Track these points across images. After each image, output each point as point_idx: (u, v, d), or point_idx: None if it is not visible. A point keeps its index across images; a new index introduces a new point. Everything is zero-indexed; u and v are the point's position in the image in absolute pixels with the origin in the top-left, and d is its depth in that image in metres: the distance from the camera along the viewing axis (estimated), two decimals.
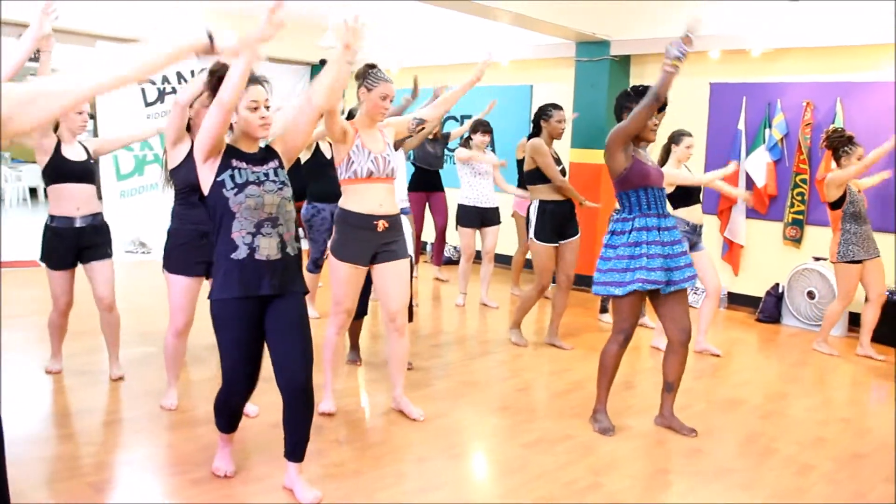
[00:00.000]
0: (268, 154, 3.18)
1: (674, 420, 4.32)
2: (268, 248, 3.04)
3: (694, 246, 5.73)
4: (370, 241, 4.03)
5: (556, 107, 5.84)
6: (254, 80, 3.03)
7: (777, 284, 7.31)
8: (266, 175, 3.09)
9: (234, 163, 3.05)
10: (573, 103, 8.33)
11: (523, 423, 4.38)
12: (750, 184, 7.53)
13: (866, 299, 6.14)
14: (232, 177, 3.02)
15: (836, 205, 5.95)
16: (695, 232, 5.75)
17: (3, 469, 1.88)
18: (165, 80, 9.65)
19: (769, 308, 7.28)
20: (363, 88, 4.01)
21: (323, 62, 12.00)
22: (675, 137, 6.00)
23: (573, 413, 4.56)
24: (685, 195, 5.72)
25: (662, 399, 4.37)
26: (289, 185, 3.17)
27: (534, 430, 4.26)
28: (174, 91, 9.67)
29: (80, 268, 4.57)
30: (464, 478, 3.64)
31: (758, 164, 7.44)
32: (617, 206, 4.28)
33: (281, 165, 3.18)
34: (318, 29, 10.10)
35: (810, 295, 6.96)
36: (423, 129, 4.65)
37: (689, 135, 5.98)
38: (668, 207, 4.74)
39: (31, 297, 6.48)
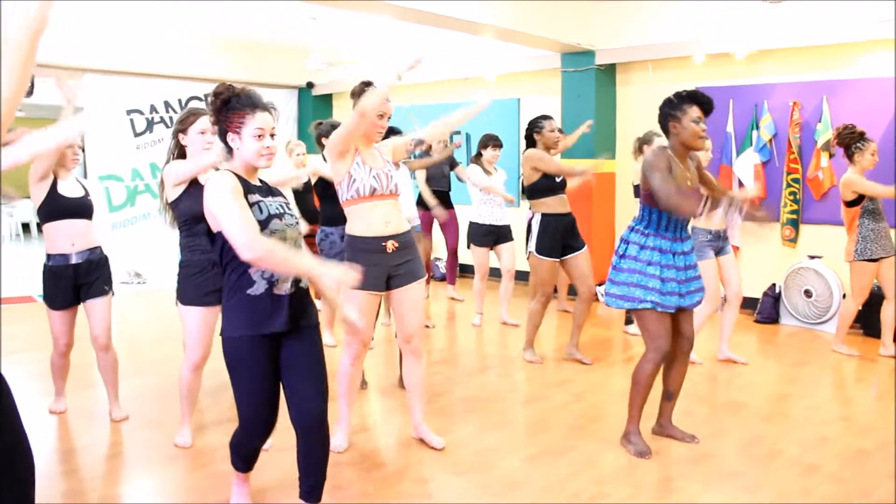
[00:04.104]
0: (272, 189, 3.04)
1: (673, 429, 4.28)
2: (286, 282, 2.91)
3: (720, 251, 5.67)
4: (382, 265, 3.89)
5: (546, 117, 5.75)
6: (262, 106, 2.90)
7: (774, 285, 7.33)
8: (280, 206, 2.95)
9: (252, 198, 2.86)
10: (561, 114, 8.37)
11: (526, 437, 4.38)
12: (739, 186, 7.55)
13: (884, 298, 6.04)
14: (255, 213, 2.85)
15: (852, 203, 5.86)
16: (719, 238, 5.65)
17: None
18: (153, 109, 9.68)
19: (767, 309, 7.29)
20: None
21: (310, 84, 12.02)
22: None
23: (576, 425, 4.55)
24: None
25: (661, 408, 4.32)
26: (298, 222, 3.06)
27: (536, 444, 4.26)
28: (162, 120, 9.70)
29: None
30: (468, 495, 3.63)
31: (745, 166, 7.47)
32: (637, 214, 4.16)
33: (288, 202, 3.05)
34: (304, 53, 10.17)
35: (807, 293, 6.97)
36: (424, 150, 4.54)
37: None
38: None
39: (28, 333, 6.47)
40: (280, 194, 3.04)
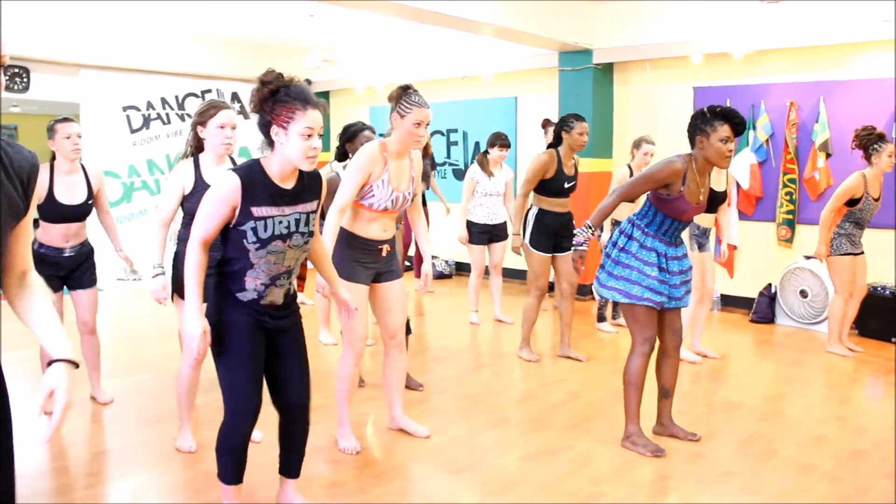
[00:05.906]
0: (308, 189, 2.91)
1: (674, 427, 4.27)
2: (275, 297, 2.93)
3: (701, 247, 5.75)
4: (373, 264, 3.95)
5: (579, 118, 5.55)
6: (314, 103, 2.73)
7: (770, 285, 7.33)
8: (296, 222, 2.86)
9: (259, 211, 2.76)
10: (558, 113, 8.34)
11: (522, 436, 4.36)
12: (735, 186, 7.55)
13: (849, 294, 6.09)
14: (254, 230, 2.77)
15: (850, 203, 5.86)
16: (704, 235, 5.72)
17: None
18: (150, 105, 9.64)
19: (763, 308, 7.29)
20: (395, 114, 3.76)
21: (308, 82, 11.93)
22: (637, 142, 6.16)
23: (572, 423, 4.54)
24: None
25: (659, 407, 4.30)
26: (313, 234, 2.99)
27: (533, 443, 4.24)
28: (158, 117, 9.66)
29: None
30: (464, 493, 3.62)
31: (742, 166, 7.46)
32: (639, 208, 4.11)
33: (317, 209, 2.97)
34: (302, 50, 10.14)
35: (803, 294, 6.97)
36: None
37: (651, 142, 6.14)
38: None
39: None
40: (311, 201, 2.93)
